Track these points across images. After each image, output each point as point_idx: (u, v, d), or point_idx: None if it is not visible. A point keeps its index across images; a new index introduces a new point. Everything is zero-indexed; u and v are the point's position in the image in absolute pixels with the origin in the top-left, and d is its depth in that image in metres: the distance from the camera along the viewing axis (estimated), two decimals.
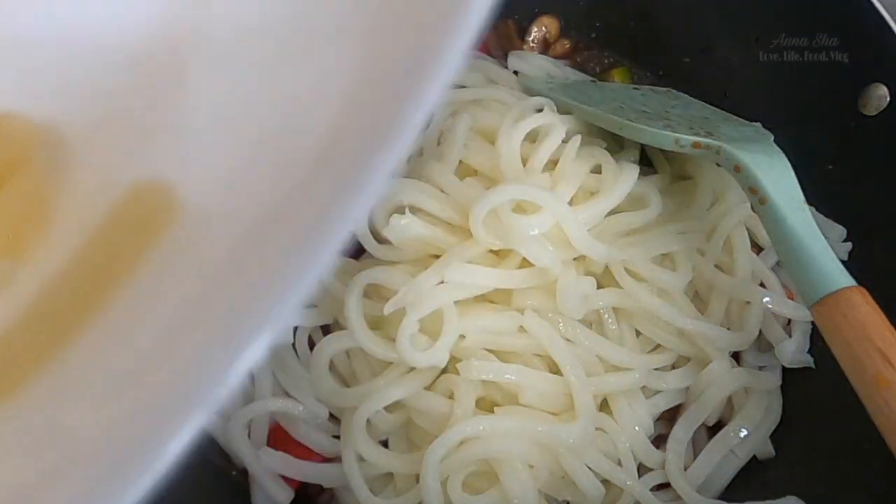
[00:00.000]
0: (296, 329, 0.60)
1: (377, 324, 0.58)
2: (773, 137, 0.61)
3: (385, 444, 0.59)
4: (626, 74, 0.79)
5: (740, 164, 0.55)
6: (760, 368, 0.63)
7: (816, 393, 0.61)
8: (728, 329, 0.62)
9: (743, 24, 0.70)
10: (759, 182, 0.53)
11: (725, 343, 0.61)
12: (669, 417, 0.62)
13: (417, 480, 0.54)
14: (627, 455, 0.58)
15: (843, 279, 0.49)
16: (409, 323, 0.54)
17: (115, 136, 0.37)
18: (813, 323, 0.61)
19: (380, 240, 0.59)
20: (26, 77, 0.38)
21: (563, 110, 0.64)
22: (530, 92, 0.69)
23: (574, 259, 0.59)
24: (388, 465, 0.57)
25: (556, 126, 0.61)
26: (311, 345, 0.60)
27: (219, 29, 0.37)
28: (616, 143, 0.67)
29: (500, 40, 0.80)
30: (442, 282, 0.55)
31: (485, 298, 0.58)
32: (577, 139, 0.61)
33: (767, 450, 0.61)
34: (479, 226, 0.55)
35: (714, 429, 0.62)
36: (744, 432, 0.60)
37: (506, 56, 0.76)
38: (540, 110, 0.62)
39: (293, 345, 0.60)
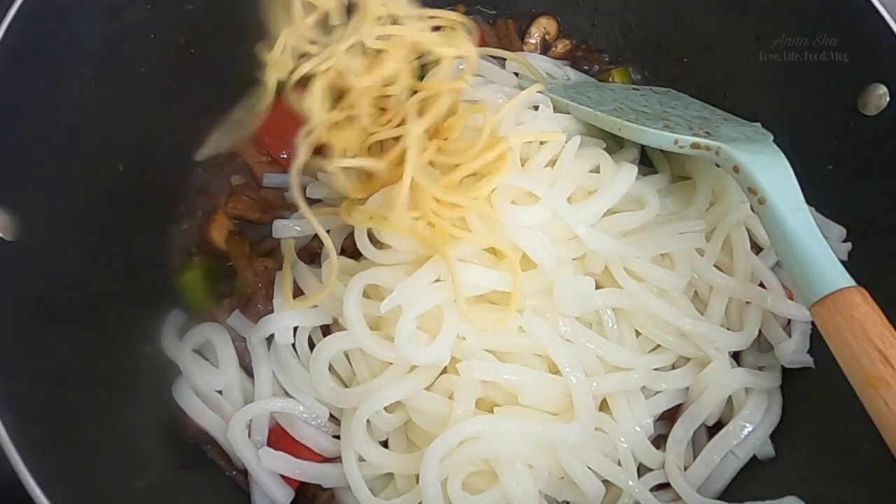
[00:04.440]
0: (296, 329, 0.60)
1: (377, 324, 0.58)
2: (772, 137, 0.62)
3: (385, 444, 0.59)
4: (625, 74, 0.79)
5: (739, 165, 0.55)
6: (760, 368, 0.63)
7: (816, 393, 0.61)
8: (728, 329, 0.62)
9: (743, 24, 0.70)
10: (758, 182, 0.53)
11: (725, 343, 0.61)
12: (669, 417, 0.62)
13: (417, 480, 0.54)
14: (627, 455, 0.58)
15: (843, 279, 0.49)
16: (406, 320, 0.54)
17: None
18: (813, 323, 0.61)
19: (377, 244, 0.59)
20: None
21: (561, 109, 0.64)
22: None
23: (573, 259, 0.59)
24: (388, 465, 0.57)
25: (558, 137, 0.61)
26: (311, 345, 0.60)
27: None
28: (616, 143, 0.67)
29: (501, 41, 0.80)
30: (438, 279, 0.55)
31: (484, 299, 0.58)
32: (577, 140, 0.61)
33: (767, 450, 0.61)
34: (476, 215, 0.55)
35: (714, 429, 0.62)
36: (744, 432, 0.60)
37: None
38: (535, 108, 0.63)
39: (293, 345, 0.60)
